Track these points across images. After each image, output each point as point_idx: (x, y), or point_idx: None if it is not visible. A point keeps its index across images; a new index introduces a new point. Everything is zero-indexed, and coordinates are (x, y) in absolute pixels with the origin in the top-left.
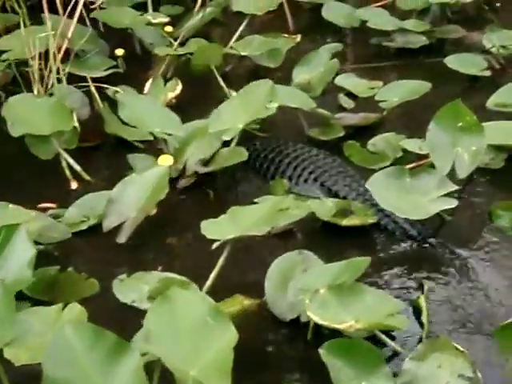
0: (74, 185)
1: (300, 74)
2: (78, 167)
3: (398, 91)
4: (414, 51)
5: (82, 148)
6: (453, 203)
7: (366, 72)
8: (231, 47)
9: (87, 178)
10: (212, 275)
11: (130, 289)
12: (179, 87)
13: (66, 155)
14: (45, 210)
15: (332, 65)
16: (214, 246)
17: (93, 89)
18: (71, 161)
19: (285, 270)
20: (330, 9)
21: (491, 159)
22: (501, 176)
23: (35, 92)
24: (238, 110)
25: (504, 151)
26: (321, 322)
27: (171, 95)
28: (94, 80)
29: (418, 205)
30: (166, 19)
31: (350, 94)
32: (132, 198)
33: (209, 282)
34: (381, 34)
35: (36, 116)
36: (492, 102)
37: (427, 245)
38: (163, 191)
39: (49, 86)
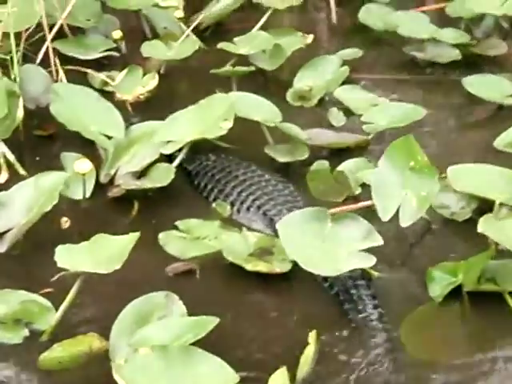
0: (3, 177)
1: (303, 80)
2: (11, 158)
3: (387, 114)
4: (442, 66)
5: (35, 136)
6: (371, 261)
7: (382, 84)
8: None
9: (21, 171)
10: (62, 308)
11: None
12: (153, 82)
13: (1, 144)
14: None
15: (341, 73)
16: (56, 277)
17: (61, 72)
18: (6, 150)
19: (141, 313)
20: (368, 10)
21: (461, 208)
22: (463, 230)
23: None
24: (191, 123)
25: (476, 201)
26: None
27: (140, 90)
28: (87, 62)
29: (331, 258)
30: (176, 3)
31: (346, 110)
32: (22, 204)
33: (58, 314)
34: (414, 43)
35: None
36: (501, 141)
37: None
38: (50, 203)
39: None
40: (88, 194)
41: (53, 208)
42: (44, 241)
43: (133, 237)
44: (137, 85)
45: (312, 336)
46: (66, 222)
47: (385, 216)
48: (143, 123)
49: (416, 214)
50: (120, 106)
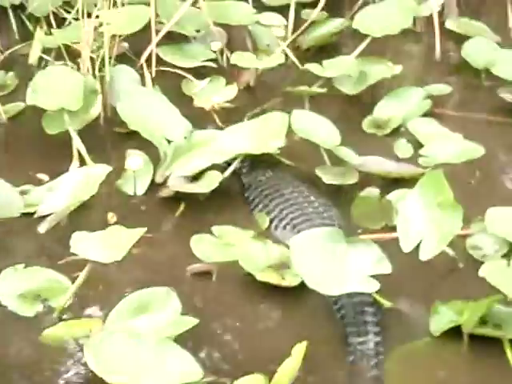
0: (74, 165)
1: (383, 108)
2: (82, 149)
3: (445, 149)
4: None
5: (114, 132)
6: (375, 287)
7: (463, 123)
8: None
9: (89, 162)
10: (71, 289)
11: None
12: (230, 94)
13: (73, 134)
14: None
15: (422, 105)
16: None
17: (148, 76)
18: (78, 141)
19: (140, 304)
20: (473, 45)
21: (494, 251)
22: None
23: (83, 69)
24: (244, 137)
25: (509, 246)
26: None
27: (217, 99)
28: (184, 70)
29: (336, 278)
30: (278, 22)
31: (416, 142)
32: (66, 191)
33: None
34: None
35: (56, 89)
36: None
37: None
38: (88, 193)
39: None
40: (141, 192)
41: (106, 202)
42: (85, 229)
43: (137, 232)
44: (215, 94)
45: (297, 349)
46: (112, 218)
47: (406, 247)
48: (204, 131)
49: (436, 249)
50: (198, 113)
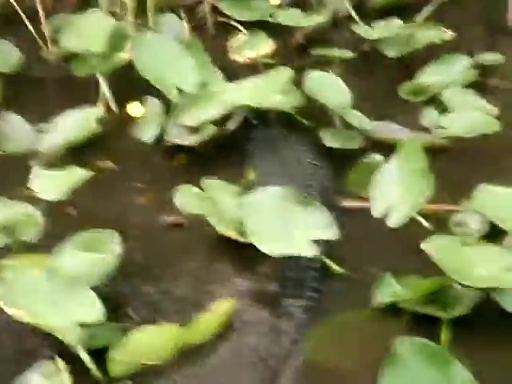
0: (99, 108)
1: (424, 75)
2: (108, 94)
3: (461, 121)
4: None
5: (142, 79)
6: (312, 252)
7: None
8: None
9: (114, 108)
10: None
11: None
12: (264, 49)
13: (100, 78)
14: None
15: (467, 75)
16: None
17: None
18: (104, 86)
19: (86, 242)
20: None
21: (477, 230)
22: None
23: (120, 14)
24: (250, 91)
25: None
26: None
27: (250, 54)
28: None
29: (283, 239)
30: None
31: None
32: (64, 129)
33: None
34: None
35: (85, 32)
36: None
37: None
38: (78, 135)
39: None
40: (147, 139)
41: (112, 145)
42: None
43: (80, 175)
44: (252, 48)
45: (217, 304)
46: (104, 164)
47: (376, 212)
48: (215, 83)
49: (403, 217)
50: (232, 66)
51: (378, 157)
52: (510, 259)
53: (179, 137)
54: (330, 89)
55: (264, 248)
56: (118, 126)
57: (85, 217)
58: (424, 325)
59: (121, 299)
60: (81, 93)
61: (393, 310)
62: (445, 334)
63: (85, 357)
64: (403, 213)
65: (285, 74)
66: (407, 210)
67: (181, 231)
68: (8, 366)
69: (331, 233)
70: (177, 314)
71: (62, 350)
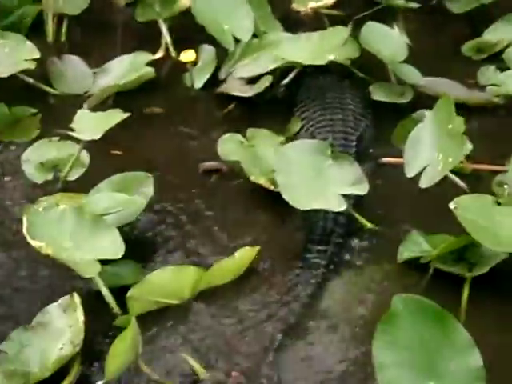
0: (158, 54)
1: (489, 33)
2: (168, 39)
3: None
4: None
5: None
6: (341, 206)
7: None
8: None
9: (173, 53)
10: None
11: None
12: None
13: (162, 24)
14: None
15: None
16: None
17: None
18: (164, 31)
19: (120, 184)
20: None
21: None
22: None
23: None
24: (305, 47)
25: None
26: None
27: (312, 4)
28: None
29: (309, 191)
30: None
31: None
32: (113, 73)
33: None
34: None
35: None
36: None
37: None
38: (135, 77)
39: None
40: (198, 85)
41: (168, 91)
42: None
43: (118, 115)
44: None
45: (241, 250)
46: (154, 109)
47: (409, 172)
48: (274, 33)
49: (436, 178)
50: (293, 16)
51: (427, 113)
52: None
53: (232, 87)
54: (385, 41)
55: (292, 201)
56: (173, 72)
57: (129, 159)
58: (446, 283)
59: (148, 242)
60: (143, 38)
61: (417, 266)
62: (465, 293)
63: (105, 292)
64: (434, 173)
65: (342, 33)
66: (438, 171)
67: (220, 178)
68: (29, 298)
69: (362, 188)
70: (203, 259)
71: (81, 286)
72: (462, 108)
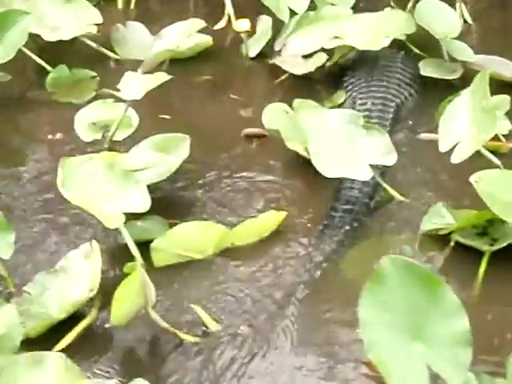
0: (220, 24)
1: None
2: (231, 10)
3: None
4: None
5: None
6: (368, 176)
7: None
8: None
9: (233, 20)
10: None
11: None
12: None
13: None
14: None
15: None
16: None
17: None
18: (228, 1)
19: (160, 144)
20: None
21: None
22: None
23: None
24: (361, 31)
25: None
26: None
27: None
28: None
29: (338, 159)
30: None
31: None
32: (168, 39)
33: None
34: None
35: None
36: None
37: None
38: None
39: None
40: (253, 54)
41: (222, 59)
42: (180, 79)
43: (161, 77)
44: None
45: (267, 213)
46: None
47: (443, 147)
48: (330, 8)
49: (467, 153)
50: None
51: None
52: None
53: (285, 61)
54: (439, 18)
55: (321, 169)
56: (233, 42)
57: (176, 123)
58: (466, 256)
59: (179, 201)
60: (210, 7)
61: (439, 238)
62: (483, 267)
63: (130, 242)
64: (465, 149)
65: (400, 17)
66: (469, 147)
67: (261, 144)
68: (55, 246)
69: (390, 159)
70: (234, 219)
71: (111, 239)
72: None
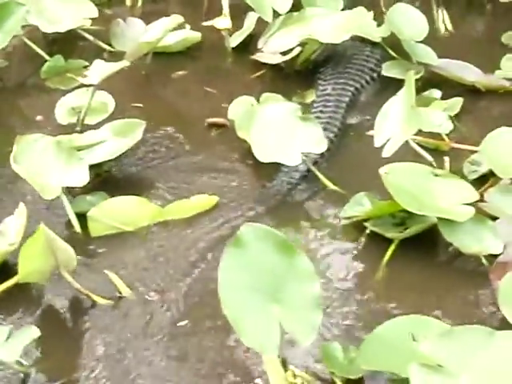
0: (210, 21)
1: None
2: (227, 9)
3: None
4: None
5: None
6: (298, 162)
7: None
8: None
9: (226, 14)
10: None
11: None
12: None
13: None
14: None
15: None
16: None
17: None
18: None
19: None
20: None
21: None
22: None
23: None
24: (327, 25)
25: None
26: None
27: None
28: None
29: (273, 146)
30: None
31: None
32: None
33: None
34: None
35: None
36: None
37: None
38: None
39: None
40: (233, 45)
41: (201, 51)
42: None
43: (118, 65)
44: None
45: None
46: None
47: (377, 142)
48: (311, 9)
49: (394, 147)
50: None
51: (436, 93)
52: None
53: (264, 55)
54: (408, 22)
55: (257, 154)
56: (220, 39)
57: (147, 111)
58: (379, 243)
59: (128, 179)
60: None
61: (358, 226)
62: (388, 253)
63: (68, 210)
64: (394, 143)
65: (361, 15)
66: (396, 141)
67: (221, 132)
68: None
69: (320, 148)
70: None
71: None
72: (472, 91)
